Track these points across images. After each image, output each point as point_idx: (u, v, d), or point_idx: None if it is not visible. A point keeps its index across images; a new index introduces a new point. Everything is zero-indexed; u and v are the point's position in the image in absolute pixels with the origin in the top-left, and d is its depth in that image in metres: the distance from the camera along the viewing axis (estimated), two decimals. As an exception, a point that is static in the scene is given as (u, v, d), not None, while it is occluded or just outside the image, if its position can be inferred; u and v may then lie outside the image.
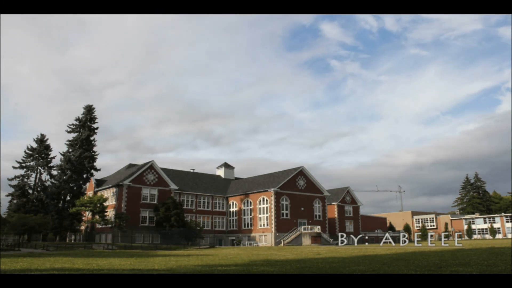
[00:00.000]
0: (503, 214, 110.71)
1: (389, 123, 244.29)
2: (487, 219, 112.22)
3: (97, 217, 59.27)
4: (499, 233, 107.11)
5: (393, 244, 52.03)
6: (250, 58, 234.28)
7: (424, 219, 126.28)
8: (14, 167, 66.80)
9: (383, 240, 52.32)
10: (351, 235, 73.31)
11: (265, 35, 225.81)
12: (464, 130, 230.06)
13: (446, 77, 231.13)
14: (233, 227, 77.19)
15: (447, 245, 43.90)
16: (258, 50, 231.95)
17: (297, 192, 74.26)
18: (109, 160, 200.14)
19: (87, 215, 64.22)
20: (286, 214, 71.78)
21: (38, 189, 67.71)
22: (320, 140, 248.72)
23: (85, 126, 68.57)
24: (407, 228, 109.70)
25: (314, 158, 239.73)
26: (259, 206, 72.42)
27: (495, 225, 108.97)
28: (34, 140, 68.67)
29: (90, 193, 71.13)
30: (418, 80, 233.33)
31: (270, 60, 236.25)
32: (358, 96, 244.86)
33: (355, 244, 55.91)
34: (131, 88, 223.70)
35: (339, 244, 53.96)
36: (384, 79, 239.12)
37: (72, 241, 67.30)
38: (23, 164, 67.37)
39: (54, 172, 68.19)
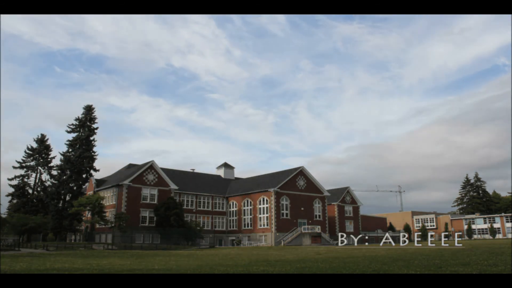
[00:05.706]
0: (503, 214, 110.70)
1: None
2: (487, 219, 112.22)
3: (97, 217, 59.25)
4: (499, 233, 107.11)
5: (393, 244, 52.00)
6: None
7: (424, 219, 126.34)
8: (14, 167, 66.83)
9: (383, 240, 52.23)
10: (351, 235, 73.23)
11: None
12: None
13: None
14: (233, 227, 77.16)
15: (447, 245, 43.83)
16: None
17: (297, 192, 74.25)
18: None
19: (87, 215, 64.19)
20: (286, 214, 71.76)
21: (38, 189, 67.77)
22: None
23: (85, 126, 68.56)
24: (407, 228, 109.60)
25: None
26: (259, 206, 72.40)
27: (495, 225, 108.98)
28: (34, 140, 68.72)
29: (90, 193, 71.10)
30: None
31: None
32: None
33: (355, 244, 55.84)
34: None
35: (339, 244, 53.95)
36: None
37: (72, 241, 67.31)
38: (23, 164, 67.39)
39: (54, 172, 68.19)
